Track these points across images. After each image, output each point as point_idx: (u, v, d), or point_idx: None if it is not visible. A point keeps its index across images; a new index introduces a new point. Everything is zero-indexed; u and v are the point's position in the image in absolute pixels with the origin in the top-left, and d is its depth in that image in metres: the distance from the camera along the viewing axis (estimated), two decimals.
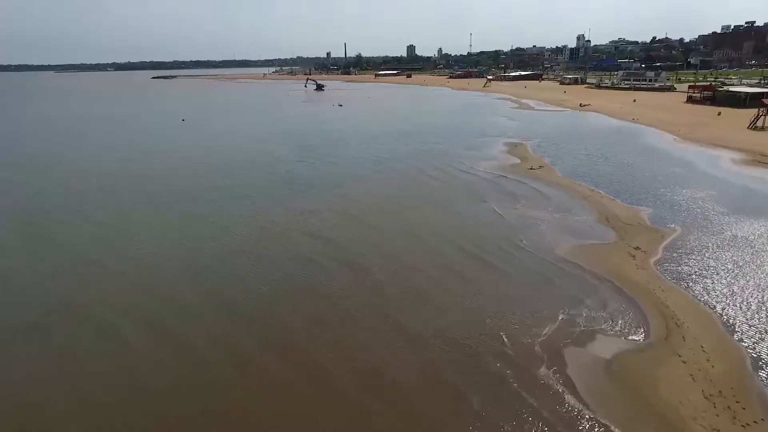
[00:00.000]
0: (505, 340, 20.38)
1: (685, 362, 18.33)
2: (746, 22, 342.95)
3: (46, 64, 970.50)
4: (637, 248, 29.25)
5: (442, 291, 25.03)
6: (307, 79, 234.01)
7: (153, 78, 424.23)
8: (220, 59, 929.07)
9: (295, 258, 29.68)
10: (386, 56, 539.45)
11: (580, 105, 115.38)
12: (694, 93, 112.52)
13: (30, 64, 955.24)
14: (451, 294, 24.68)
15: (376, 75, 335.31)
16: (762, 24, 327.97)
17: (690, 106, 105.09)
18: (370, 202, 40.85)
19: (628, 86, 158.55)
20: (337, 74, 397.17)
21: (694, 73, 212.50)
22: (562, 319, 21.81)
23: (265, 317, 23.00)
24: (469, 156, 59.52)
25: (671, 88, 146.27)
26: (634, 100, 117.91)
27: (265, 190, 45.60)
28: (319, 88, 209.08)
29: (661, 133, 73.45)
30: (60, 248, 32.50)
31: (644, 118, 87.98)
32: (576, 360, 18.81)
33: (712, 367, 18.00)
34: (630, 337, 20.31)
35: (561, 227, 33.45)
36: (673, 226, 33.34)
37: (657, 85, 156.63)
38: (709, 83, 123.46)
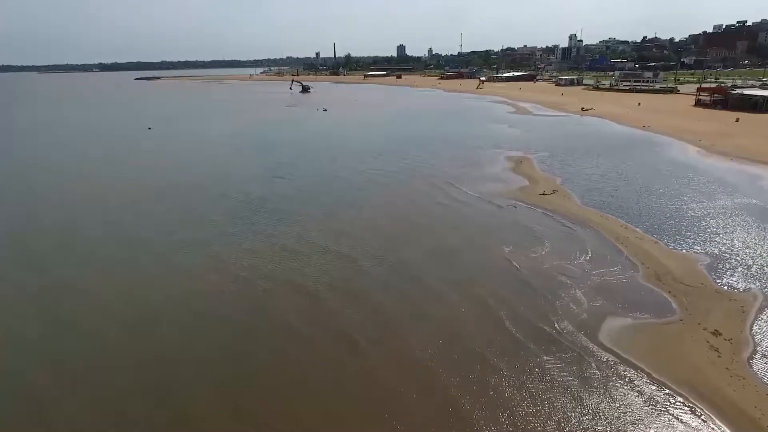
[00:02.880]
0: None
1: None
2: (738, 22, 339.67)
3: (31, 64, 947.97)
4: (715, 333, 20.76)
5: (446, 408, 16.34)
6: (293, 80, 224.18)
7: (136, 79, 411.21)
8: (210, 59, 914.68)
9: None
10: (376, 56, 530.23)
11: (582, 109, 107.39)
12: (703, 96, 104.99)
13: (14, 64, 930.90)
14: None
15: (366, 76, 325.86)
16: (752, 23, 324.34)
17: (700, 110, 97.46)
18: (347, 244, 32.05)
19: (627, 88, 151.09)
20: (326, 75, 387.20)
21: (692, 74, 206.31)
22: None
23: None
24: (468, 176, 50.87)
25: (674, 90, 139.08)
26: (639, 104, 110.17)
27: (215, 225, 36.54)
28: (305, 90, 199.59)
29: (680, 144, 65.43)
30: None
31: (656, 125, 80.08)
32: None
33: None
34: None
35: (601, 290, 24.88)
36: (748, 288, 24.94)
37: (658, 86, 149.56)
38: (719, 85, 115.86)
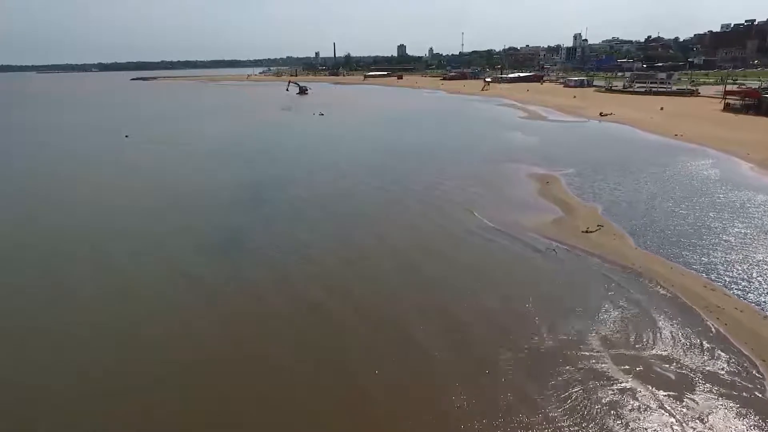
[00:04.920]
0: None
1: None
2: (746, 21, 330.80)
3: (30, 64, 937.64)
4: None
5: None
6: (289, 81, 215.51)
7: (132, 79, 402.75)
8: (210, 59, 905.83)
9: None
10: (376, 56, 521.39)
11: (600, 114, 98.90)
12: (733, 99, 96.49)
13: (13, 64, 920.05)
14: None
15: (366, 76, 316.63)
16: (759, 22, 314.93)
17: (731, 116, 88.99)
18: (357, 302, 23.69)
19: (643, 90, 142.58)
20: (325, 75, 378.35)
21: (707, 74, 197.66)
22: None
23: None
24: (487, 201, 42.44)
25: (693, 92, 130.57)
26: (662, 108, 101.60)
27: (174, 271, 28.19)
28: (302, 91, 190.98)
29: (726, 159, 56.98)
30: None
31: (689, 134, 71.56)
32: None
33: None
34: None
35: (720, 414, 16.48)
36: None
37: (675, 88, 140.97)
38: (750, 88, 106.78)
